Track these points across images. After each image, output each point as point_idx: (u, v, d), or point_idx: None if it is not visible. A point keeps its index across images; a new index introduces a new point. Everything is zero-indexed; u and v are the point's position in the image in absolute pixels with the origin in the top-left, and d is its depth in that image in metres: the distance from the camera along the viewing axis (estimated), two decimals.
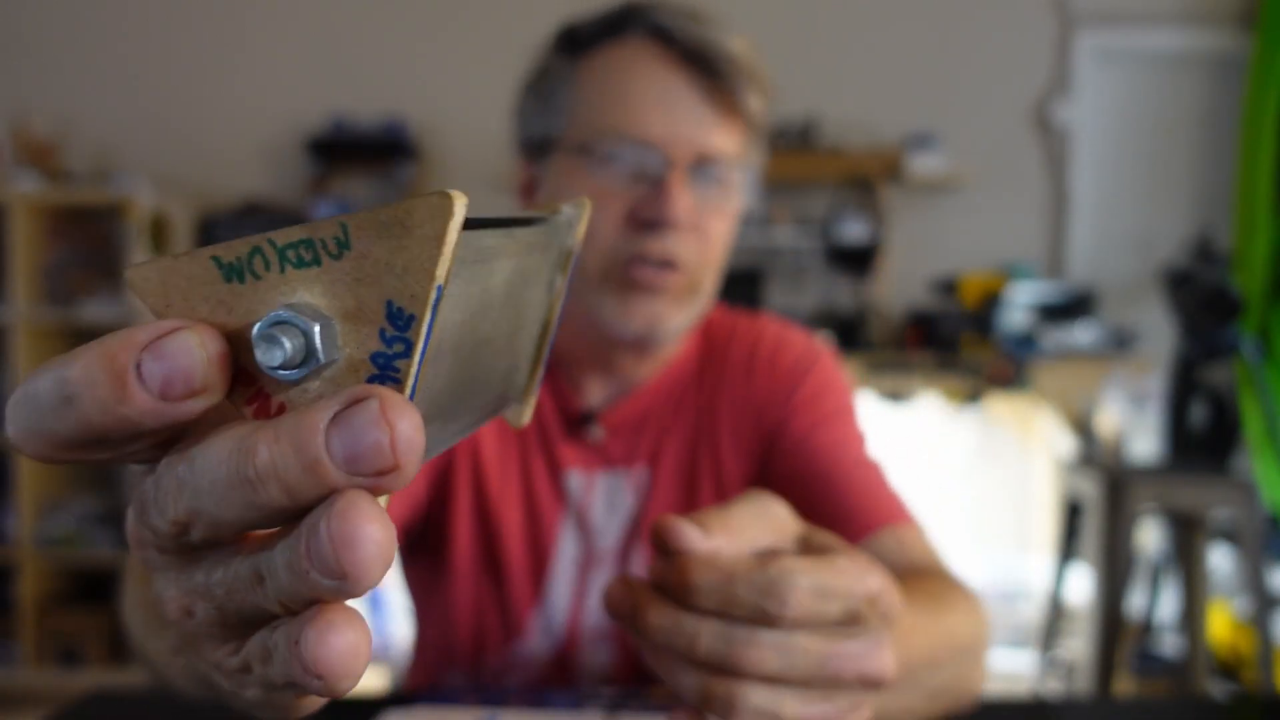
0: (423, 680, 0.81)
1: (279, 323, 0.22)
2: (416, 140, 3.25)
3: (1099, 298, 3.11)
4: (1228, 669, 2.39)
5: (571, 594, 0.76)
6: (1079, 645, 2.36)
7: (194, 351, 0.21)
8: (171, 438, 0.22)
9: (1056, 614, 2.38)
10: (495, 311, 0.28)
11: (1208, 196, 3.25)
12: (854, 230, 3.13)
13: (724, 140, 0.70)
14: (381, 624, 2.71)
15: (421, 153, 3.27)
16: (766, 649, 0.37)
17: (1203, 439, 2.07)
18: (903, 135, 3.17)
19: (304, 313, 0.22)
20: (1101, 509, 2.07)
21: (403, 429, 0.20)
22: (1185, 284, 2.04)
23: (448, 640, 0.77)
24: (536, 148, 0.75)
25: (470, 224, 0.23)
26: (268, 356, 0.21)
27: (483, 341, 0.28)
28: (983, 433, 3.19)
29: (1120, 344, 2.97)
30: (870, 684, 0.39)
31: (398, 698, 0.62)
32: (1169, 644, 2.44)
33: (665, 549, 0.39)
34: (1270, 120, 2.66)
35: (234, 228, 3.14)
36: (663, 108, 0.69)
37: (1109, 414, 2.27)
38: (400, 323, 0.22)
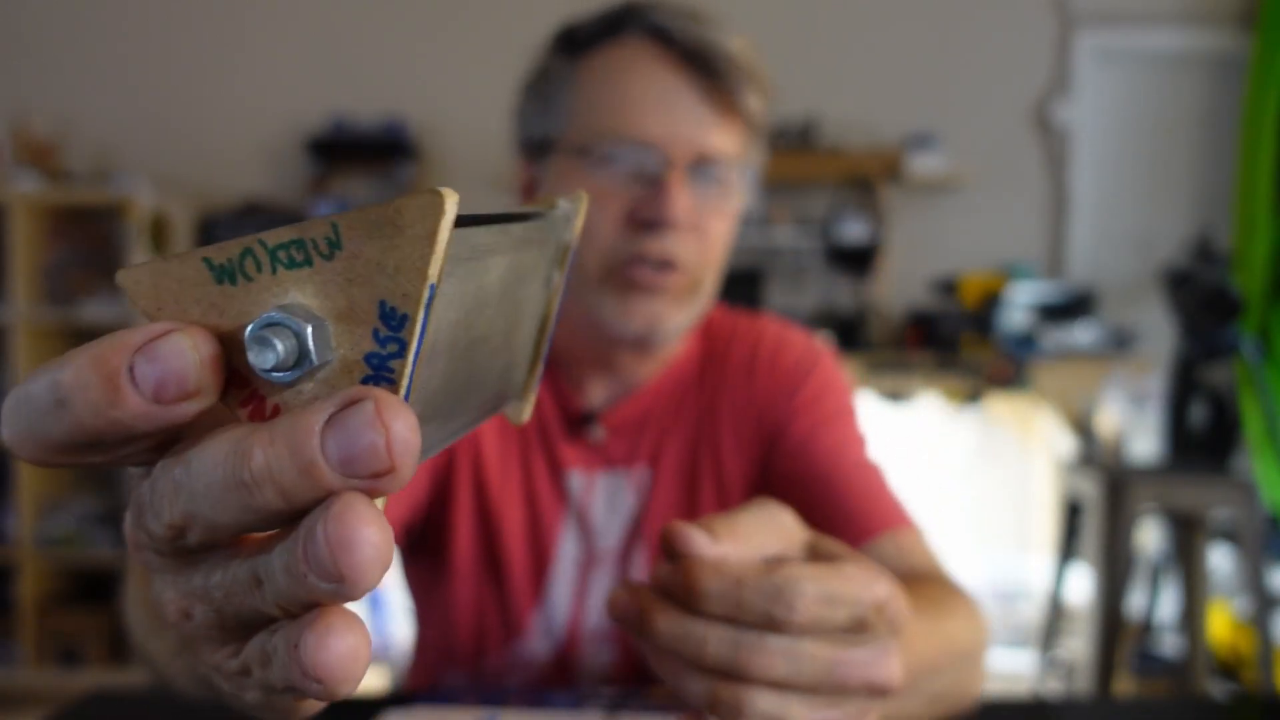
0: (423, 680, 0.81)
1: (271, 324, 0.21)
2: (416, 140, 3.25)
3: (1099, 298, 3.11)
4: (1228, 669, 2.39)
5: (572, 594, 0.76)
6: (1079, 645, 2.36)
7: (186, 354, 0.21)
8: (167, 440, 0.22)
9: (1056, 614, 2.38)
10: (491, 309, 0.28)
11: (1208, 196, 3.25)
12: (854, 230, 3.13)
13: (723, 140, 0.70)
14: (381, 624, 2.71)
15: (421, 153, 3.27)
16: (775, 655, 0.37)
17: (1203, 439, 2.07)
18: (903, 135, 3.17)
19: (296, 314, 0.21)
20: (1101, 509, 2.07)
21: (398, 430, 0.20)
22: (1185, 284, 2.04)
23: (448, 640, 0.77)
24: (536, 148, 0.75)
25: (463, 221, 0.23)
26: (261, 359, 0.21)
27: (479, 339, 0.28)
28: (983, 433, 3.19)
29: (1120, 344, 2.97)
30: (877, 691, 0.39)
31: (398, 698, 0.62)
32: (1169, 644, 2.44)
33: (673, 554, 0.39)
34: (1270, 120, 2.66)
35: (234, 228, 3.14)
36: (661, 108, 0.69)
37: (1109, 414, 2.27)
38: (393, 323, 0.21)
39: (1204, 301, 2.00)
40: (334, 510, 0.20)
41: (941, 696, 0.54)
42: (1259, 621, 2.05)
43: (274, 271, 0.22)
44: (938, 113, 3.23)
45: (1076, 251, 3.26)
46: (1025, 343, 2.92)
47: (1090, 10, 3.21)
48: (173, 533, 0.22)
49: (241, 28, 3.33)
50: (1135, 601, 2.30)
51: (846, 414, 0.78)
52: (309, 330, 0.21)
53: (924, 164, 3.09)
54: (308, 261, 0.22)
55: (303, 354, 0.21)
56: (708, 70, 0.69)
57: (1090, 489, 2.13)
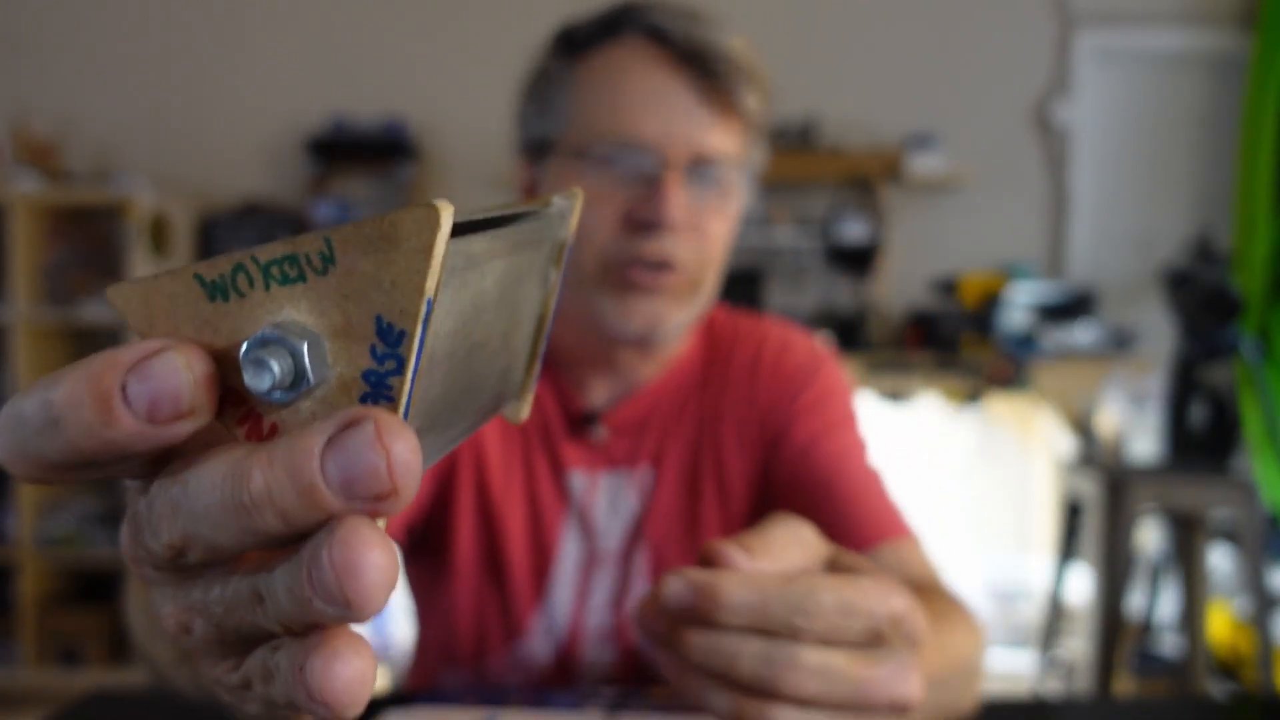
0: (423, 680, 0.81)
1: (266, 342, 0.21)
2: (416, 140, 3.25)
3: (1099, 298, 3.11)
4: (1228, 669, 2.39)
5: (573, 595, 0.76)
6: (1079, 645, 2.36)
7: (180, 373, 0.20)
8: (163, 455, 0.22)
9: (1056, 614, 2.38)
10: (489, 314, 0.28)
11: (1208, 196, 3.25)
12: (854, 230, 3.13)
13: (721, 140, 0.70)
14: (381, 624, 2.71)
15: (421, 153, 3.27)
16: (805, 672, 0.37)
17: (1203, 439, 2.07)
18: (903, 135, 3.17)
19: (291, 332, 0.21)
20: (1101, 509, 2.07)
21: (398, 452, 0.19)
22: (1185, 284, 2.04)
23: (449, 640, 0.77)
24: (536, 149, 0.75)
25: (458, 228, 0.23)
26: (257, 381, 0.21)
27: (477, 345, 0.27)
28: (983, 433, 3.19)
29: (1120, 344, 2.97)
30: (899, 709, 0.39)
31: (398, 698, 0.62)
32: (1169, 644, 2.44)
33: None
34: (1270, 120, 2.66)
35: (234, 228, 3.14)
36: (658, 109, 0.68)
37: (1109, 414, 2.27)
38: (391, 339, 0.21)
39: (1204, 301, 2.00)
40: (339, 535, 0.19)
41: (942, 708, 0.54)
42: (1259, 621, 2.05)
43: (267, 288, 0.21)
44: (938, 113, 3.23)
45: (1076, 251, 3.25)
46: (1025, 343, 2.92)
47: (1090, 10, 3.21)
48: (172, 552, 0.22)
49: (241, 28, 3.33)
50: (1135, 601, 2.30)
51: (848, 420, 0.78)
52: (305, 348, 0.21)
53: (924, 164, 3.09)
54: (301, 277, 0.21)
55: (299, 373, 0.21)
56: (705, 70, 0.69)
57: (1090, 489, 2.13)
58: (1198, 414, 2.07)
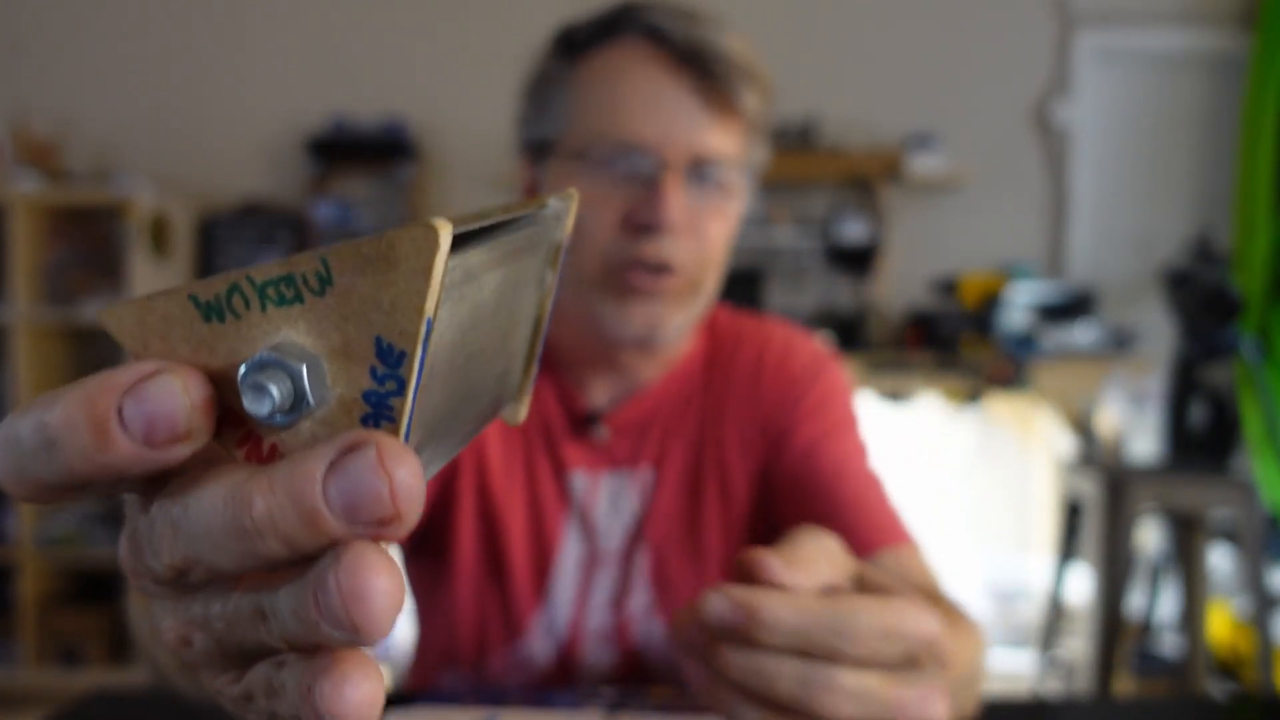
0: (423, 680, 0.81)
1: (264, 367, 0.21)
2: (416, 140, 3.25)
3: (1099, 298, 3.11)
4: (1227, 669, 2.40)
5: (574, 595, 0.76)
6: (1079, 645, 2.36)
7: (177, 395, 0.20)
8: (162, 474, 0.22)
9: (1056, 614, 2.38)
10: (487, 323, 0.27)
11: (1208, 196, 3.25)
12: (854, 230, 3.12)
13: (721, 141, 0.70)
14: None
15: (421, 153, 3.27)
16: (842, 694, 0.37)
17: (1203, 439, 2.07)
18: (903, 135, 3.17)
19: (289, 354, 0.21)
20: (1101, 509, 2.07)
21: (401, 477, 0.19)
22: (1185, 284, 2.04)
23: (449, 641, 0.77)
24: (536, 151, 0.75)
25: (455, 241, 0.22)
26: (256, 406, 0.21)
27: (475, 354, 0.27)
28: (983, 433, 3.19)
29: (1120, 344, 2.97)
30: None
31: (398, 698, 0.62)
32: (1169, 644, 2.44)
33: (750, 582, 0.39)
34: (1270, 120, 2.66)
35: (234, 228, 3.14)
36: (657, 110, 0.68)
37: (1109, 414, 2.27)
38: (391, 359, 0.21)
39: (1204, 301, 2.00)
40: (345, 561, 0.19)
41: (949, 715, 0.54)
42: (1259, 621, 2.05)
43: (263, 309, 0.21)
44: (938, 113, 3.23)
45: (1076, 251, 3.25)
46: (1025, 343, 2.92)
47: (1090, 10, 3.21)
48: (174, 573, 0.22)
49: (241, 28, 3.33)
50: (1135, 601, 2.30)
51: (850, 423, 0.78)
52: (304, 370, 0.21)
53: (924, 164, 3.09)
54: (298, 298, 0.21)
55: (299, 396, 0.21)
56: (704, 71, 0.68)
57: (1090, 489, 2.13)
58: (1198, 414, 2.07)
